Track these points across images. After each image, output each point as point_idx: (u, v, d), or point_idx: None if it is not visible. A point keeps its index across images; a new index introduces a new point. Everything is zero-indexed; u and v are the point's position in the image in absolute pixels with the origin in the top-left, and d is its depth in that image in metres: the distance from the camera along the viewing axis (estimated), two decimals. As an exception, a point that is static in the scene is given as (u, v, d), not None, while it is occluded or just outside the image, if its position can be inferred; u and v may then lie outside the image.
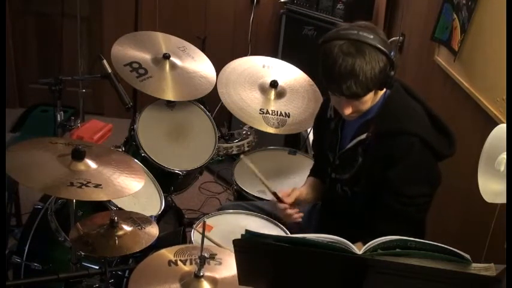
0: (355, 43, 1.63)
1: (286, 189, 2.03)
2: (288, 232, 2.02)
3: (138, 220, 1.85)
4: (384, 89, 1.75)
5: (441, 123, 1.80)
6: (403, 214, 1.77)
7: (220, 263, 1.67)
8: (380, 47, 1.63)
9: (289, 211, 1.96)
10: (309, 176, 2.19)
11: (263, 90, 2.61)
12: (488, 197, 1.40)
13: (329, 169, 1.97)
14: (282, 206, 1.98)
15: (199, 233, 1.74)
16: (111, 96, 2.59)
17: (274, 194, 2.01)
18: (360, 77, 1.63)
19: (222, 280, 1.61)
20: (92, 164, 1.79)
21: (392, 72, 1.69)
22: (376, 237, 1.32)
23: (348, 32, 1.65)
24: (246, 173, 2.54)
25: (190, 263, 1.66)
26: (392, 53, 1.67)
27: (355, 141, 1.83)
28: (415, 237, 1.30)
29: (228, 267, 1.65)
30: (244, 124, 2.68)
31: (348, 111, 1.75)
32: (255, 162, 2.61)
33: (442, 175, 1.82)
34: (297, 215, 1.98)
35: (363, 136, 1.81)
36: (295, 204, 2.00)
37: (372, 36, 1.63)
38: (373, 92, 1.71)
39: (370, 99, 1.73)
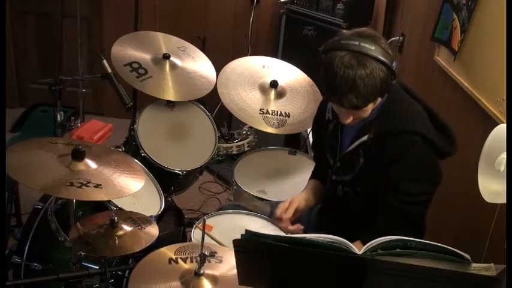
0: (356, 55, 1.61)
1: (283, 204, 2.01)
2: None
3: (138, 220, 1.85)
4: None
5: (442, 122, 1.81)
6: (403, 211, 1.77)
7: (220, 261, 1.68)
8: (381, 58, 1.62)
9: (290, 228, 1.96)
10: (310, 178, 2.19)
11: (263, 90, 2.61)
12: (488, 197, 1.40)
13: (329, 171, 1.97)
14: (283, 225, 1.98)
15: (200, 229, 1.75)
16: (111, 96, 2.59)
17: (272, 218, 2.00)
18: (360, 90, 1.62)
19: (222, 278, 1.61)
20: (92, 164, 1.79)
21: (393, 81, 1.68)
22: (375, 234, 1.33)
23: (348, 42, 1.63)
24: (246, 173, 2.54)
25: (191, 261, 1.67)
26: (394, 64, 1.66)
27: (356, 143, 1.83)
28: (414, 235, 1.31)
29: (228, 265, 1.65)
30: (244, 124, 2.68)
31: (348, 120, 1.75)
32: (255, 162, 2.64)
33: (442, 174, 1.82)
34: (298, 229, 1.97)
35: (364, 138, 1.81)
36: (296, 215, 1.99)
37: (373, 48, 1.62)
38: (374, 101, 1.72)
39: (370, 108, 1.74)
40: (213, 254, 1.64)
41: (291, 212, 1.97)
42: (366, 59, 1.61)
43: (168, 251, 1.71)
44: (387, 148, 1.76)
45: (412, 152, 1.74)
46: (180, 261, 1.67)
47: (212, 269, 1.63)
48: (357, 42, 1.62)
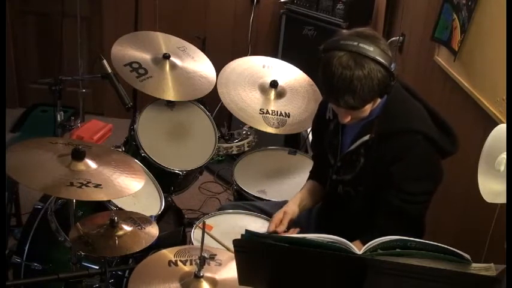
0: (355, 55, 1.61)
1: (277, 216, 1.99)
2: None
3: (138, 220, 1.85)
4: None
5: (443, 121, 1.81)
6: (403, 211, 1.78)
7: (220, 264, 1.68)
8: (380, 59, 1.61)
9: (287, 235, 1.96)
10: (308, 178, 2.18)
11: (263, 90, 2.61)
12: (488, 197, 1.40)
13: (330, 171, 1.97)
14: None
15: (200, 229, 1.75)
16: (111, 96, 2.59)
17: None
18: (357, 91, 1.62)
19: (221, 281, 1.61)
20: (92, 164, 1.79)
21: (392, 83, 1.68)
22: (375, 234, 1.33)
23: (347, 42, 1.63)
24: (246, 173, 2.54)
25: (191, 264, 1.67)
26: (392, 65, 1.65)
27: (357, 143, 1.83)
28: (414, 235, 1.31)
29: (227, 268, 1.66)
30: (244, 124, 2.68)
31: (346, 119, 1.75)
32: (255, 162, 2.64)
33: (444, 173, 1.83)
34: (295, 232, 1.96)
35: (366, 137, 1.81)
36: (291, 224, 1.99)
37: (372, 49, 1.61)
38: (371, 102, 1.72)
39: (369, 108, 1.74)
40: (212, 257, 1.64)
41: (285, 224, 1.96)
42: (364, 59, 1.61)
43: (168, 253, 1.71)
44: (389, 148, 1.76)
45: (415, 151, 1.74)
46: (179, 263, 1.67)
47: (212, 271, 1.63)
48: (355, 43, 1.62)
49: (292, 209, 2.01)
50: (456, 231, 2.31)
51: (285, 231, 1.96)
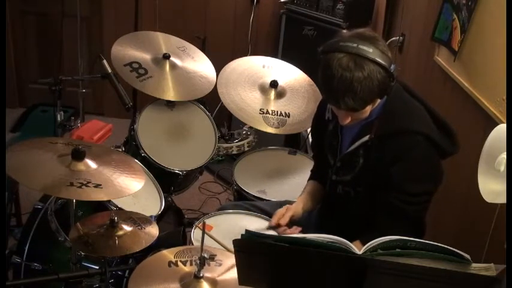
0: (354, 57, 1.61)
1: (280, 211, 2.01)
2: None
3: (138, 220, 1.85)
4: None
5: (443, 121, 1.81)
6: (404, 212, 1.78)
7: (220, 264, 1.68)
8: (379, 61, 1.61)
9: (288, 231, 1.96)
10: (309, 179, 2.19)
11: (263, 90, 2.61)
12: (488, 197, 1.40)
13: (329, 171, 1.97)
14: (280, 229, 1.98)
15: (200, 229, 1.75)
16: (111, 96, 2.59)
17: (270, 228, 2.01)
18: (357, 93, 1.62)
19: (221, 281, 1.61)
20: (92, 164, 1.79)
21: (392, 83, 1.68)
22: (375, 234, 1.33)
23: (347, 44, 1.63)
24: (246, 173, 2.54)
25: (191, 264, 1.67)
26: (392, 66, 1.66)
27: (357, 143, 1.83)
28: (414, 235, 1.31)
29: (227, 269, 1.66)
30: (244, 124, 2.68)
31: (347, 121, 1.76)
32: (255, 162, 2.64)
33: (444, 173, 1.83)
34: (296, 231, 1.97)
35: (366, 138, 1.81)
36: (292, 220, 1.99)
37: (371, 50, 1.61)
38: (371, 103, 1.72)
39: (369, 109, 1.74)
40: (212, 257, 1.64)
41: (287, 218, 1.97)
42: (363, 61, 1.61)
43: (168, 254, 1.71)
44: (389, 148, 1.76)
45: (415, 152, 1.74)
46: (179, 264, 1.67)
47: (212, 272, 1.63)
48: (355, 45, 1.62)
49: (295, 207, 2.01)
50: (456, 231, 2.31)
51: (287, 226, 1.96)
